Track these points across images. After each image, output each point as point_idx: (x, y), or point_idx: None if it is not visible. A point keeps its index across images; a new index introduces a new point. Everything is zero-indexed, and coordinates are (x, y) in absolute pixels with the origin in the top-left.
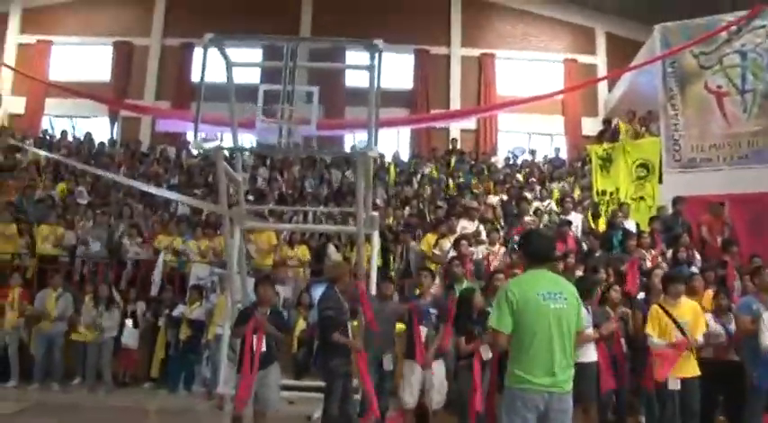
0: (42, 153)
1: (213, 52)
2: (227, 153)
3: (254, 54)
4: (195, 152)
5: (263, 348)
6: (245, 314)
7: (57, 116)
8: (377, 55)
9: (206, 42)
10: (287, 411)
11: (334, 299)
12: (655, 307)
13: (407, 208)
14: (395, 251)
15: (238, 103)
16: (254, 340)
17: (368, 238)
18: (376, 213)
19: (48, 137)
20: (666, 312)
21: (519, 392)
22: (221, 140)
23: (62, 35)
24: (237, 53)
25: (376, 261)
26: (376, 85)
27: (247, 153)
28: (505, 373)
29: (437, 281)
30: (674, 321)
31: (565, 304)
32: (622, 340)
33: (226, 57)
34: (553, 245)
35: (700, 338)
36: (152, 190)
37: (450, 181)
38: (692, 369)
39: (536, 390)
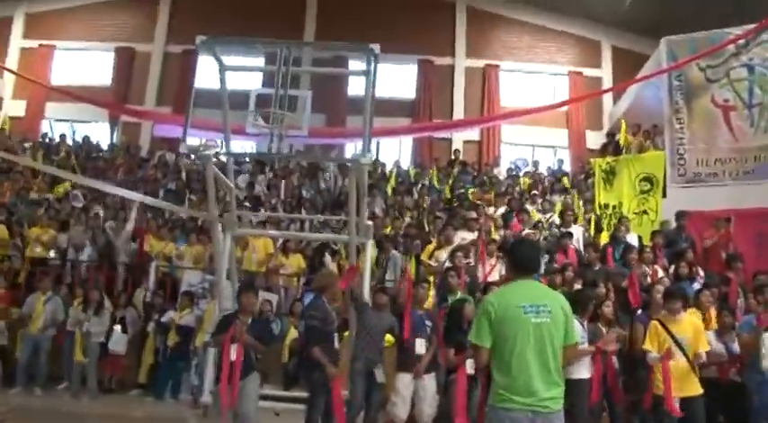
0: (24, 162)
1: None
2: (222, 158)
3: (258, 62)
4: (183, 151)
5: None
6: (225, 322)
7: (57, 120)
8: (373, 60)
9: (198, 44)
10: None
11: (320, 308)
12: (654, 322)
13: (407, 218)
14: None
15: (240, 111)
16: (233, 349)
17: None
18: (370, 222)
19: (48, 140)
20: (666, 328)
21: (502, 411)
22: (221, 147)
23: (65, 40)
24: (241, 61)
25: (369, 270)
26: (372, 90)
27: (248, 160)
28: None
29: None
30: (673, 337)
31: (548, 318)
32: (614, 357)
33: (219, 60)
34: (540, 255)
35: (701, 353)
36: (133, 195)
37: (448, 188)
38: (694, 388)
39: (519, 408)
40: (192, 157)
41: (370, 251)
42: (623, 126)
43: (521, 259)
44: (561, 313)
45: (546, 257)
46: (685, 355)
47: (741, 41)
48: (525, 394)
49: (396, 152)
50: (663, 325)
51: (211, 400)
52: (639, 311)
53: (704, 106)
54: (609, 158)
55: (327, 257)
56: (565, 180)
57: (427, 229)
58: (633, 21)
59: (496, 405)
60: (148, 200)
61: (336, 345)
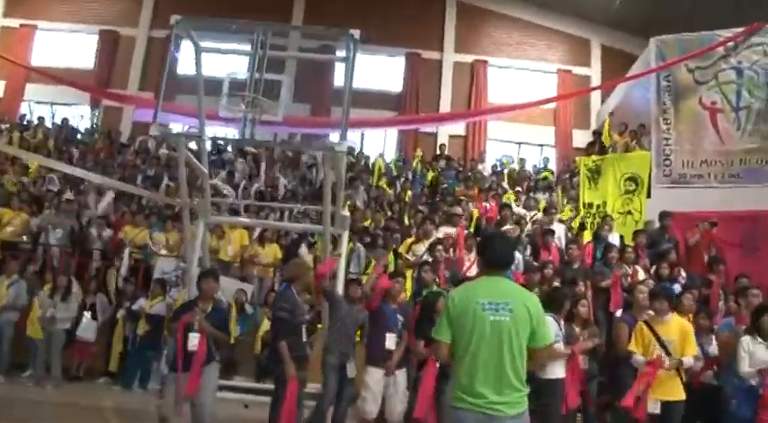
0: None
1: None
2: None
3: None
4: (154, 133)
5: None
6: (183, 309)
7: (37, 102)
8: (353, 45)
9: (173, 24)
10: (240, 415)
11: (290, 300)
12: (640, 324)
13: (389, 211)
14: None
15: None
16: (190, 338)
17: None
18: (347, 213)
19: (26, 122)
20: (652, 330)
21: (457, 411)
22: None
23: (47, 20)
24: (225, 46)
25: (344, 262)
26: (351, 76)
27: (229, 149)
28: None
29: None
30: (659, 340)
31: (508, 317)
32: (581, 358)
33: (194, 42)
34: (513, 251)
35: (686, 360)
36: (106, 181)
37: (429, 178)
38: (677, 392)
39: (470, 409)
40: (154, 133)
41: (346, 243)
42: (606, 125)
43: (491, 254)
44: (524, 312)
45: (529, 255)
46: (660, 357)
47: (730, 44)
48: (475, 395)
49: (380, 146)
50: (650, 327)
51: (166, 389)
52: (621, 312)
53: (692, 108)
54: (594, 157)
55: (303, 248)
56: (550, 178)
57: (408, 223)
58: (623, 20)
59: (453, 404)
60: (122, 185)
61: (306, 337)
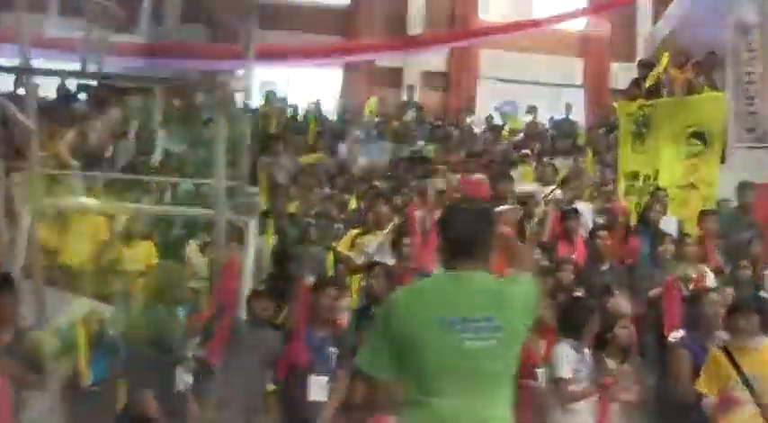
0: None
1: None
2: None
3: None
4: None
5: None
6: None
7: None
8: None
9: None
10: None
11: (154, 323)
12: (715, 351)
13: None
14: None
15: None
16: None
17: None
18: (254, 189)
19: None
20: (732, 360)
21: None
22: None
23: None
24: None
25: (251, 266)
26: None
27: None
28: None
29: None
30: (742, 375)
31: (496, 340)
32: (612, 409)
33: None
34: (489, 226)
35: None
36: None
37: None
38: None
39: None
40: None
41: (253, 236)
42: (665, 59)
43: (453, 234)
44: (517, 322)
45: (540, 251)
46: (758, 401)
47: None
48: None
49: (316, 89)
50: (729, 355)
51: None
52: (683, 334)
53: None
54: (642, 102)
55: (192, 246)
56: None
57: (356, 205)
58: None
59: None
60: None
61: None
